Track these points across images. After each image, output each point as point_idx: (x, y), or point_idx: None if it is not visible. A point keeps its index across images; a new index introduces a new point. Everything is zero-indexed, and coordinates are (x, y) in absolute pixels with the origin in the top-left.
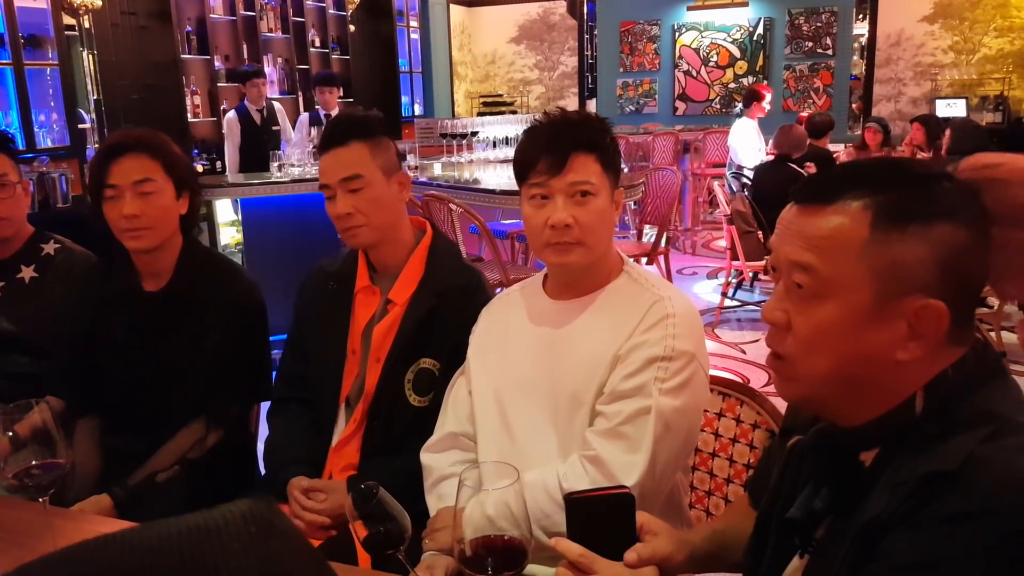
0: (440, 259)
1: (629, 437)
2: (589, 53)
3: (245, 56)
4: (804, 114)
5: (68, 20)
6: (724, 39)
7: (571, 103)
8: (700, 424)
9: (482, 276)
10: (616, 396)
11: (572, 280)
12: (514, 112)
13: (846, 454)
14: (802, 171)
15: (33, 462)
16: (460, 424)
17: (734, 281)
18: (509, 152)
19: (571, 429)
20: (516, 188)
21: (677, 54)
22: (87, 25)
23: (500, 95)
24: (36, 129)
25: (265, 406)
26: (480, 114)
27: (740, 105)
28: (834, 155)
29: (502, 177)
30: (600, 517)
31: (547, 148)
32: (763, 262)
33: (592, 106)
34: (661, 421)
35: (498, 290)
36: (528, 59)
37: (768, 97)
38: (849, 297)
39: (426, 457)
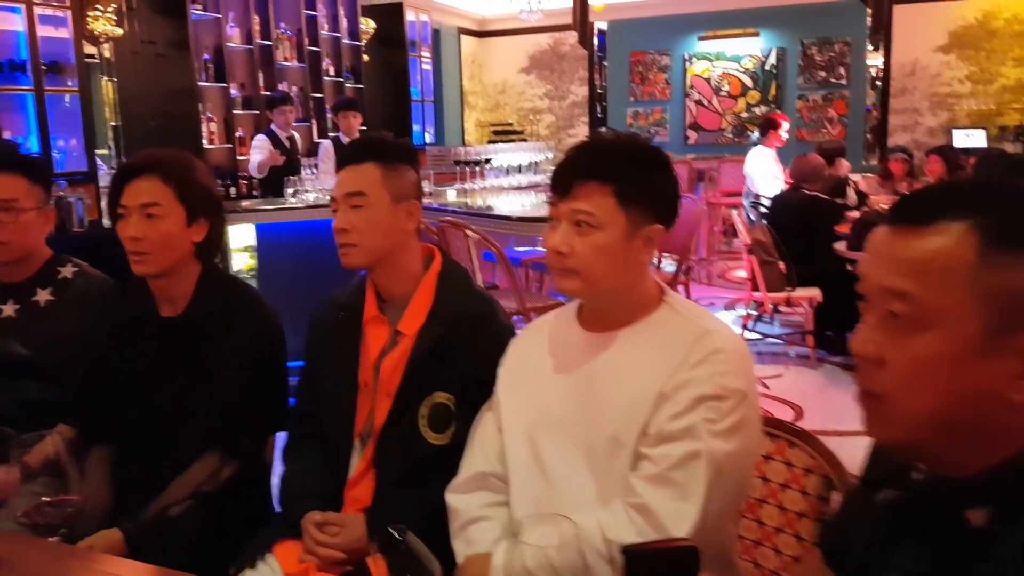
0: (450, 287)
1: (679, 483)
2: (599, 82)
3: (261, 84)
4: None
5: (89, 48)
6: (736, 68)
7: (581, 132)
8: (754, 470)
9: (496, 303)
10: (663, 438)
11: (602, 310)
12: (524, 140)
13: (950, 511)
14: (820, 198)
15: (45, 498)
16: (489, 463)
17: (754, 313)
18: (521, 179)
19: (611, 473)
20: (531, 216)
21: (688, 83)
22: (107, 53)
23: (510, 124)
24: (55, 154)
25: (280, 438)
26: (491, 142)
27: (755, 134)
28: (853, 184)
29: (515, 204)
30: (661, 573)
31: (562, 170)
32: (785, 293)
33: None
34: (713, 466)
35: (515, 319)
36: (538, 88)
37: (785, 125)
38: (954, 327)
39: (453, 499)
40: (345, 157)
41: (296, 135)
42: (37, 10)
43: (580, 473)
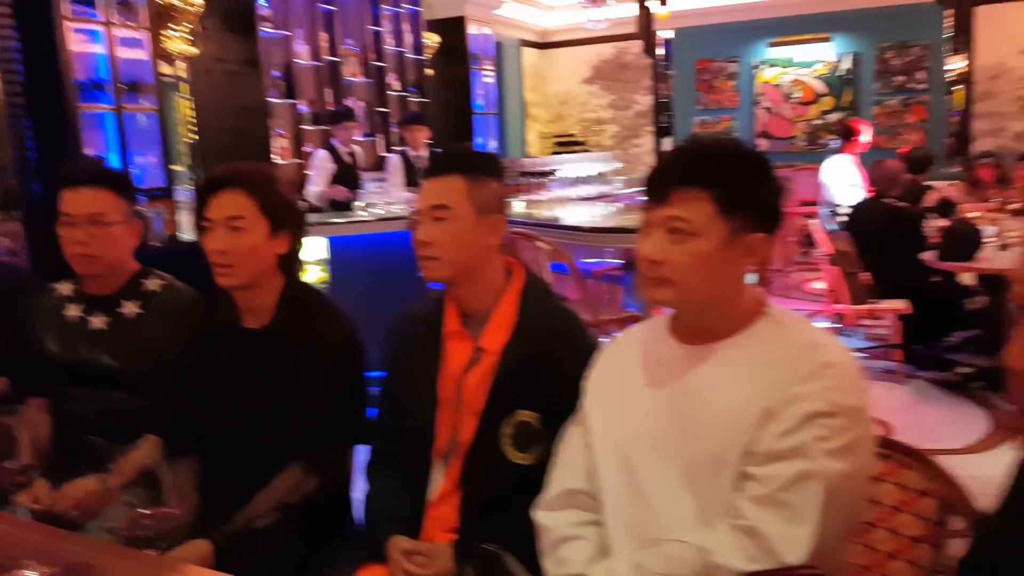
0: (534, 302)
1: (790, 505)
2: (664, 92)
3: (328, 100)
4: (902, 149)
5: (165, 67)
6: (807, 75)
7: (646, 142)
8: (868, 492)
9: (580, 319)
10: (771, 457)
11: (698, 321)
12: (587, 151)
13: None
14: (904, 209)
15: (142, 510)
16: (578, 480)
17: (836, 326)
18: (589, 190)
19: (713, 493)
20: (602, 226)
21: (757, 91)
22: (182, 72)
23: (573, 135)
24: (134, 171)
25: (360, 451)
26: (553, 154)
27: (835, 141)
28: (938, 192)
29: (583, 215)
30: None
31: (657, 175)
32: (868, 306)
33: (667, 144)
34: (827, 487)
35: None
36: (602, 99)
37: (866, 132)
38: None
39: (541, 516)
40: (430, 168)
41: (357, 149)
42: (116, 31)
43: (678, 493)
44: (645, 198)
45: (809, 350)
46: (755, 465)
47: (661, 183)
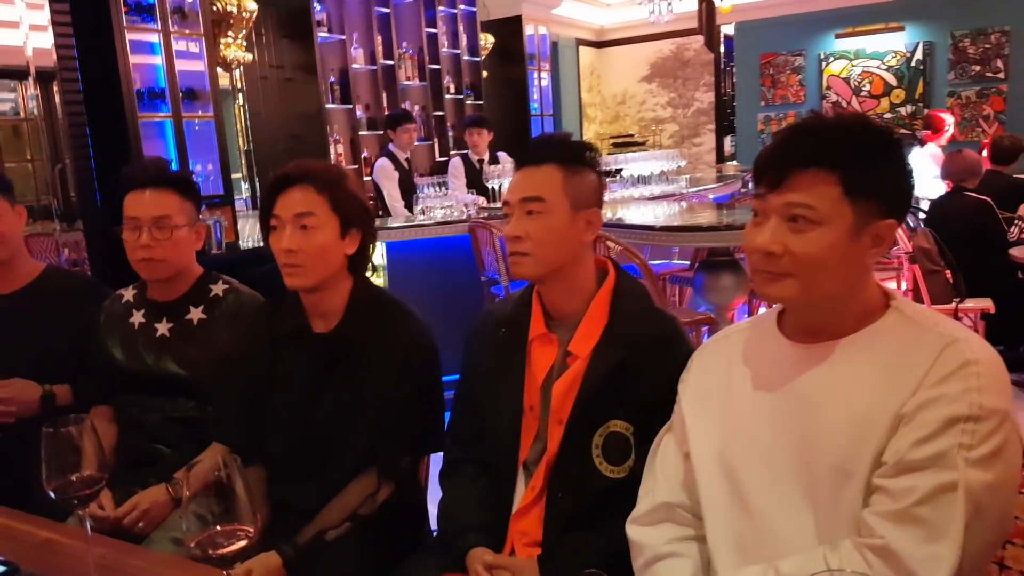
0: (627, 304)
1: (928, 522)
2: (726, 88)
3: (384, 104)
4: (985, 140)
5: (221, 75)
6: (877, 66)
7: (707, 140)
8: (1015, 504)
9: (678, 323)
10: (905, 467)
11: (816, 318)
12: (645, 151)
13: None
14: (987, 200)
15: (217, 527)
16: (674, 493)
17: None
18: (653, 189)
19: (836, 508)
20: (670, 224)
21: (824, 84)
22: (238, 80)
23: (631, 135)
24: (194, 178)
25: (435, 459)
26: (609, 154)
27: (920, 132)
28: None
29: (648, 215)
30: None
31: (772, 157)
32: (952, 305)
33: (729, 143)
34: (971, 500)
35: None
36: (660, 97)
37: (949, 122)
38: None
39: (634, 531)
40: (524, 157)
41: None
42: (173, 40)
43: (793, 508)
44: (756, 183)
45: (947, 347)
46: (887, 477)
47: (777, 165)
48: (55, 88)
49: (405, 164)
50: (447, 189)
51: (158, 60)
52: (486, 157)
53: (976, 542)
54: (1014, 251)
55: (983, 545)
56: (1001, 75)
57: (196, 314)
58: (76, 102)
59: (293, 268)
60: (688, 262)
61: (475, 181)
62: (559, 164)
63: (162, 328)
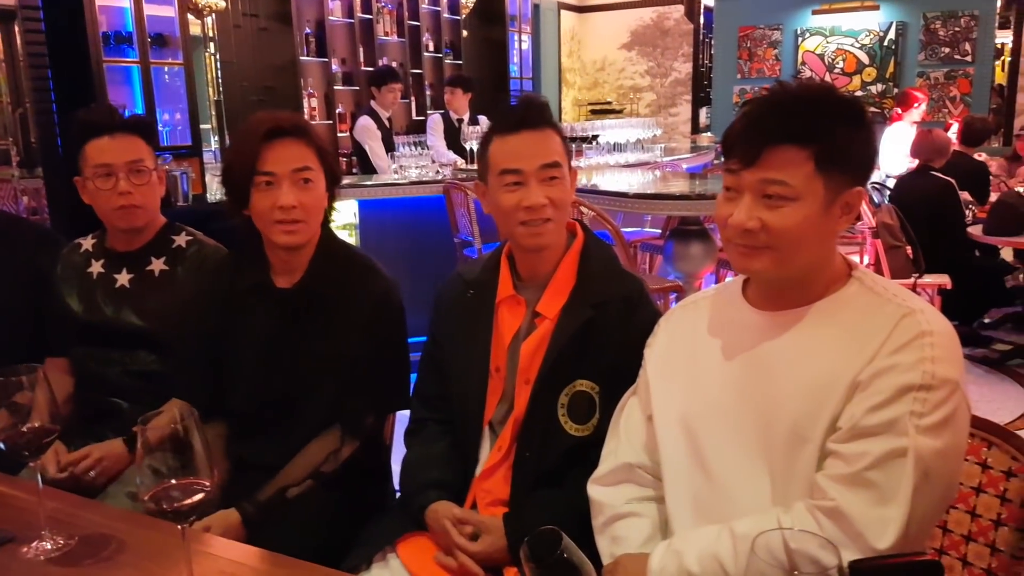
0: (594, 265)
1: (878, 486)
2: (704, 59)
3: (361, 59)
4: (951, 120)
5: (193, 21)
6: (851, 44)
7: (684, 111)
8: (961, 471)
9: (645, 284)
10: (859, 433)
11: (780, 287)
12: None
13: None
14: (950, 181)
15: (172, 481)
16: (636, 454)
17: None
18: (627, 157)
19: (791, 470)
20: (647, 193)
21: (800, 60)
22: (210, 28)
23: (609, 102)
24: (160, 127)
25: (400, 417)
26: (588, 120)
27: (890, 110)
28: (985, 165)
29: (623, 183)
30: None
31: (744, 132)
32: (911, 280)
33: (704, 115)
34: (920, 466)
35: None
36: (639, 65)
37: (921, 99)
38: None
39: (595, 491)
40: (523, 120)
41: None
42: None
43: (751, 470)
44: (727, 156)
45: (904, 317)
46: (840, 442)
47: (750, 141)
48: (16, 28)
49: (387, 123)
50: (424, 148)
51: (125, 3)
52: (466, 117)
53: (923, 506)
54: (972, 229)
55: (930, 509)
56: (969, 58)
57: (158, 265)
58: (38, 43)
59: (294, 225)
60: (659, 230)
61: (453, 141)
62: (555, 128)
63: (122, 279)
